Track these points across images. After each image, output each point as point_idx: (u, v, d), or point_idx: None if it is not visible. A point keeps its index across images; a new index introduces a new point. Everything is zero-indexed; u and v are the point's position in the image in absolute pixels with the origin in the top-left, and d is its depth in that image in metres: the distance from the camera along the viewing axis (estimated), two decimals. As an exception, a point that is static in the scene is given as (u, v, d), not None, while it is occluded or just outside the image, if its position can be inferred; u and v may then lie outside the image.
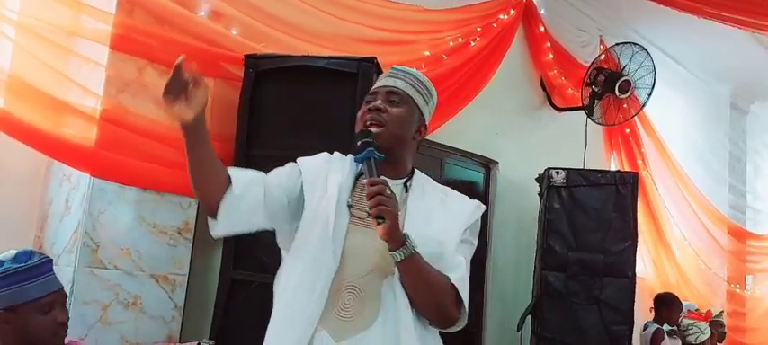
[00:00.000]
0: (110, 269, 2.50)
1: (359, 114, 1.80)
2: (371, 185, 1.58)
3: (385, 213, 1.54)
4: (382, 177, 1.69)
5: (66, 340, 2.15)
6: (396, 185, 1.75)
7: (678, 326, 4.74)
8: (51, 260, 2.02)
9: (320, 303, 1.61)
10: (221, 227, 1.67)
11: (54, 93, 2.46)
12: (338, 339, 1.59)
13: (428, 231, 1.69)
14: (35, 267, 1.95)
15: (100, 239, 2.49)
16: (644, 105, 5.02)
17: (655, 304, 4.84)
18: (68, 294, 2.37)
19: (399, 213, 1.65)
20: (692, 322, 4.71)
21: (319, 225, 1.67)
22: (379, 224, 1.55)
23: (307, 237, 1.69)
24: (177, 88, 1.54)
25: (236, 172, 1.69)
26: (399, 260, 1.58)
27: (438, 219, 1.74)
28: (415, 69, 1.89)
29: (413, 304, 1.64)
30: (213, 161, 1.64)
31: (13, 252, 1.97)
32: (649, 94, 4.89)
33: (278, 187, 1.74)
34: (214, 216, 1.65)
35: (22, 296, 1.91)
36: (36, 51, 2.44)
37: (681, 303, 4.96)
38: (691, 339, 4.65)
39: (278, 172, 1.79)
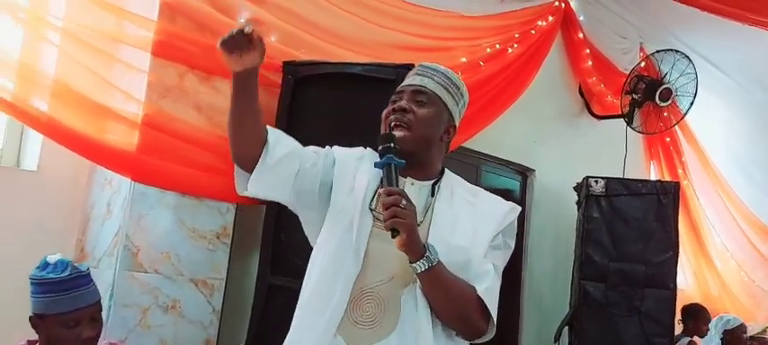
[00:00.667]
0: (150, 272, 2.53)
1: (383, 114, 1.76)
2: (388, 195, 1.52)
3: (399, 226, 1.48)
4: (408, 179, 1.66)
5: (107, 342, 2.18)
6: (423, 187, 1.71)
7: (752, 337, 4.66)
8: (87, 273, 2.03)
9: (340, 309, 1.56)
10: (249, 189, 1.65)
11: (97, 99, 2.50)
12: None
13: (453, 239, 1.63)
14: (67, 281, 1.96)
15: (140, 243, 2.51)
16: (685, 114, 4.94)
17: (682, 315, 4.72)
18: (109, 297, 2.42)
19: (425, 217, 1.64)
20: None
21: (342, 226, 1.64)
22: (393, 236, 1.49)
23: (330, 235, 1.67)
24: (233, 45, 1.55)
25: (274, 138, 1.66)
26: (420, 271, 1.53)
27: (465, 224, 1.67)
28: (444, 67, 1.82)
29: (436, 314, 1.58)
30: (253, 116, 1.62)
31: (58, 256, 1.99)
32: (691, 103, 4.80)
33: (312, 170, 1.71)
34: (244, 171, 1.65)
35: (49, 308, 1.94)
36: (80, 57, 2.48)
37: (708, 313, 4.85)
38: None
39: (315, 155, 1.76)
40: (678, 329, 4.72)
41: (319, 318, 1.58)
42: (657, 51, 4.88)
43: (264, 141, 1.64)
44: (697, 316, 4.78)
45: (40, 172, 2.74)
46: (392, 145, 1.63)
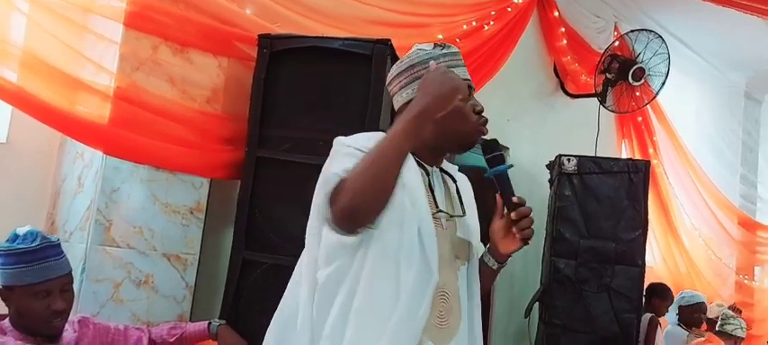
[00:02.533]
0: (122, 247, 2.51)
1: (462, 110, 1.61)
2: (520, 204, 1.62)
3: (530, 235, 1.62)
4: (433, 168, 1.70)
5: (79, 316, 2.17)
6: (441, 174, 1.75)
7: (718, 317, 4.77)
8: (57, 243, 2.00)
9: (424, 316, 1.53)
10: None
11: (68, 70, 2.45)
12: None
13: (474, 222, 1.77)
14: (36, 250, 1.92)
15: (112, 217, 2.49)
16: (657, 94, 4.99)
17: (647, 293, 4.80)
18: (80, 271, 2.39)
19: (461, 207, 1.74)
20: (735, 316, 4.75)
21: (408, 231, 1.54)
22: (526, 244, 1.63)
23: (392, 240, 1.53)
24: None
25: None
26: (496, 268, 1.72)
27: (470, 207, 1.79)
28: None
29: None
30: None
31: (25, 229, 1.96)
32: (663, 83, 4.86)
33: None
34: (363, 225, 1.49)
35: (18, 279, 1.90)
36: (50, 27, 2.42)
37: (672, 293, 4.98)
38: (728, 329, 4.66)
39: None
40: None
41: (405, 329, 1.51)
42: (632, 31, 4.93)
43: None
44: (661, 295, 4.90)
45: (9, 143, 2.69)
46: (501, 152, 1.65)
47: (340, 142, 1.62)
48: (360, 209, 1.45)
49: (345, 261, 1.53)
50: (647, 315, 4.61)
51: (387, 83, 1.75)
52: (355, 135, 1.63)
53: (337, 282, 1.54)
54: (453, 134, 1.64)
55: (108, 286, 2.47)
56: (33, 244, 1.92)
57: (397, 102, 1.70)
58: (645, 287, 4.76)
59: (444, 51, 1.70)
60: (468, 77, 1.70)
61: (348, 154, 1.55)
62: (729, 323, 4.73)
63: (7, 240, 1.95)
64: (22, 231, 1.95)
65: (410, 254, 1.53)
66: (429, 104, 1.48)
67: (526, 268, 4.64)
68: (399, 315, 1.50)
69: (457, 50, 1.73)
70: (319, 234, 1.58)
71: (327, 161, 1.60)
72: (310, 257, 1.61)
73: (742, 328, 4.74)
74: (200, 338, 2.37)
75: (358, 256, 1.53)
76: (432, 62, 1.62)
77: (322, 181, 1.56)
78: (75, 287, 2.10)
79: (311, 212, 1.63)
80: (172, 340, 2.32)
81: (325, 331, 1.52)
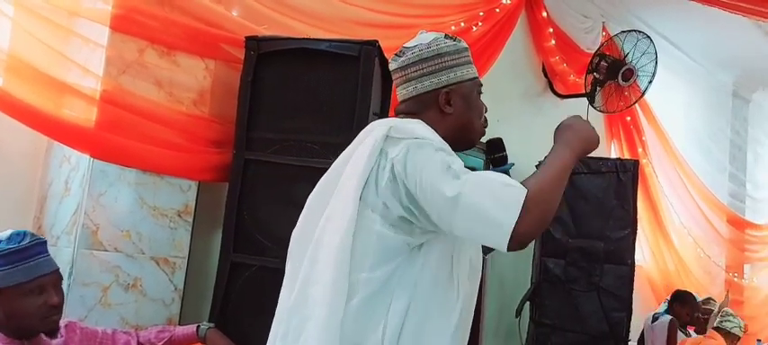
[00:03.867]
0: (110, 251, 2.50)
1: (475, 108, 1.73)
2: None
3: None
4: None
5: (65, 321, 2.15)
6: None
7: (713, 312, 4.76)
8: (45, 241, 1.99)
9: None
10: None
11: (54, 74, 2.44)
12: None
13: None
14: (24, 249, 1.91)
15: (100, 221, 2.48)
16: (644, 93, 5.00)
17: (671, 298, 4.87)
18: (68, 275, 2.38)
19: None
20: (734, 315, 4.74)
21: (464, 254, 1.58)
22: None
23: (449, 244, 1.54)
24: None
25: None
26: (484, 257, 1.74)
27: None
28: None
29: None
30: None
31: (9, 232, 1.95)
32: (650, 82, 4.87)
33: None
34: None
35: (8, 279, 1.88)
36: (35, 30, 2.41)
37: (694, 300, 4.97)
38: (727, 326, 4.66)
39: None
40: (647, 304, 4.85)
41: (464, 331, 1.58)
42: (621, 32, 4.94)
43: None
44: (685, 303, 4.90)
45: (-6, 148, 2.68)
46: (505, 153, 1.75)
47: (429, 139, 1.53)
48: (545, 225, 1.47)
49: (403, 264, 1.50)
50: (668, 318, 4.64)
51: (401, 66, 1.71)
52: (422, 131, 1.56)
53: (394, 285, 1.49)
54: (468, 132, 1.72)
55: (96, 290, 2.46)
56: (23, 243, 1.91)
57: (417, 89, 1.69)
58: (672, 293, 4.81)
59: (465, 45, 1.73)
60: (478, 75, 1.74)
61: (448, 151, 1.53)
62: (729, 321, 4.72)
63: None
64: (3, 236, 1.94)
65: (461, 257, 1.56)
66: (586, 150, 1.66)
67: (516, 267, 4.64)
68: (459, 319, 1.53)
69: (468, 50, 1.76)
70: (370, 231, 1.49)
71: (429, 155, 1.49)
72: (342, 257, 1.47)
73: (740, 327, 4.73)
74: (189, 341, 2.36)
75: (418, 259, 1.51)
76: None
77: (442, 174, 1.45)
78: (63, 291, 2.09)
79: (347, 211, 1.49)
80: (160, 343, 2.30)
81: (386, 334, 1.46)
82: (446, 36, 1.73)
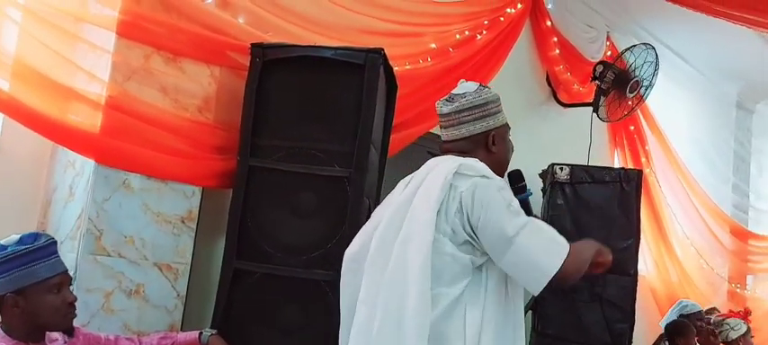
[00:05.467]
0: (113, 256, 2.50)
1: (510, 146, 2.15)
2: None
3: None
4: None
5: (68, 325, 2.16)
6: None
7: (707, 324, 4.66)
8: (56, 241, 2.02)
9: None
10: None
11: (60, 79, 2.44)
12: None
13: None
14: (42, 248, 1.95)
15: (103, 226, 2.48)
16: (644, 98, 4.95)
17: (668, 335, 4.68)
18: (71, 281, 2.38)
19: None
20: (722, 319, 4.64)
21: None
22: None
23: (507, 279, 1.87)
24: None
25: None
26: None
27: None
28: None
29: None
30: None
31: (17, 236, 1.96)
32: (648, 87, 4.82)
33: None
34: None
35: (30, 278, 1.91)
36: (42, 36, 2.42)
37: (693, 328, 4.81)
38: (722, 336, 4.59)
39: None
40: (650, 315, 4.79)
41: (521, 337, 1.91)
42: (633, 46, 4.89)
43: None
44: (682, 332, 4.60)
45: (0, 152, 2.68)
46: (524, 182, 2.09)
47: (495, 181, 1.87)
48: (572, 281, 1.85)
49: (472, 282, 1.79)
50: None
51: (455, 110, 2.04)
52: (486, 169, 1.91)
53: (466, 300, 1.78)
54: (504, 166, 2.13)
55: (99, 295, 2.46)
56: (38, 242, 1.95)
57: (470, 131, 2.03)
58: (665, 327, 4.72)
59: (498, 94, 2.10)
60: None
61: (507, 189, 1.92)
62: (731, 330, 4.63)
63: None
64: (11, 239, 1.95)
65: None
66: (606, 264, 1.98)
67: (519, 277, 4.63)
68: (521, 328, 1.86)
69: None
70: (443, 253, 1.78)
71: (493, 193, 1.83)
72: (425, 273, 1.74)
73: (734, 329, 4.64)
74: (192, 348, 2.37)
75: (483, 278, 1.81)
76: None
77: (509, 215, 1.80)
78: (71, 293, 2.10)
79: (425, 235, 1.77)
80: (162, 349, 2.31)
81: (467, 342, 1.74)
82: (481, 86, 2.08)
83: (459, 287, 1.77)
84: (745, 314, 4.74)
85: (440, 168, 1.88)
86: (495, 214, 1.77)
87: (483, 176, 1.84)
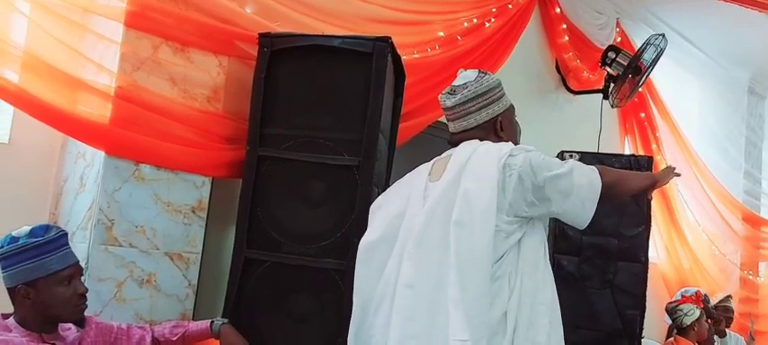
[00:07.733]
0: (124, 246, 2.51)
1: (517, 129, 2.28)
2: None
3: None
4: None
5: (81, 315, 2.17)
6: None
7: (667, 311, 4.61)
8: (67, 233, 2.04)
9: None
10: None
11: (69, 70, 2.46)
12: None
13: None
14: (53, 240, 1.97)
15: (114, 217, 2.49)
16: (647, 74, 4.84)
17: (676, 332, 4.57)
18: (83, 271, 2.40)
19: None
20: (675, 305, 4.57)
21: (546, 247, 2.08)
22: None
23: (541, 250, 2.02)
24: None
25: None
26: None
27: None
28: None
29: None
30: None
31: (28, 228, 1.98)
32: (650, 66, 4.72)
33: None
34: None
35: (42, 270, 1.93)
36: (50, 28, 2.43)
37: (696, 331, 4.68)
38: (677, 322, 4.53)
39: None
40: (662, 302, 4.77)
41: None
42: (645, 45, 4.82)
43: None
44: (687, 335, 4.58)
45: (11, 144, 2.70)
46: None
47: (535, 150, 2.03)
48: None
49: (510, 255, 1.90)
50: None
51: (459, 103, 2.14)
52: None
53: (510, 272, 1.90)
54: None
55: (110, 285, 2.47)
56: (50, 234, 1.97)
57: (477, 120, 2.13)
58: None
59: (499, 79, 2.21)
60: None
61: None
62: (678, 315, 4.48)
63: (6, 241, 1.95)
64: (23, 231, 1.96)
65: (545, 250, 2.01)
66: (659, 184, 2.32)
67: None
68: (555, 293, 2.02)
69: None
70: (498, 230, 1.88)
71: (542, 156, 2.02)
72: (488, 253, 1.86)
73: (687, 315, 4.46)
74: (203, 337, 2.38)
75: (520, 251, 1.93)
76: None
77: (549, 169, 1.97)
78: (82, 283, 2.11)
79: (488, 219, 1.87)
80: (174, 338, 2.32)
81: (520, 318, 1.88)
82: (481, 73, 2.16)
83: (502, 261, 1.89)
84: (698, 298, 4.63)
85: (482, 151, 2.00)
86: (550, 165, 1.96)
87: (529, 151, 1.99)
